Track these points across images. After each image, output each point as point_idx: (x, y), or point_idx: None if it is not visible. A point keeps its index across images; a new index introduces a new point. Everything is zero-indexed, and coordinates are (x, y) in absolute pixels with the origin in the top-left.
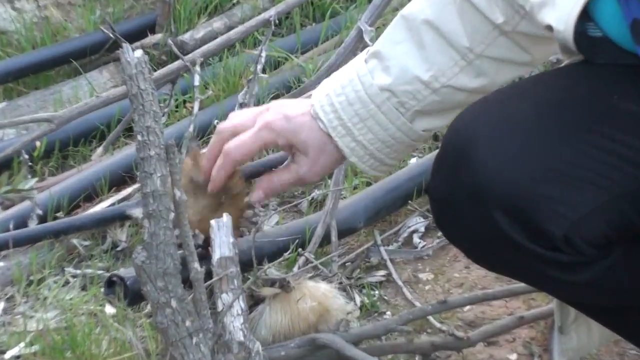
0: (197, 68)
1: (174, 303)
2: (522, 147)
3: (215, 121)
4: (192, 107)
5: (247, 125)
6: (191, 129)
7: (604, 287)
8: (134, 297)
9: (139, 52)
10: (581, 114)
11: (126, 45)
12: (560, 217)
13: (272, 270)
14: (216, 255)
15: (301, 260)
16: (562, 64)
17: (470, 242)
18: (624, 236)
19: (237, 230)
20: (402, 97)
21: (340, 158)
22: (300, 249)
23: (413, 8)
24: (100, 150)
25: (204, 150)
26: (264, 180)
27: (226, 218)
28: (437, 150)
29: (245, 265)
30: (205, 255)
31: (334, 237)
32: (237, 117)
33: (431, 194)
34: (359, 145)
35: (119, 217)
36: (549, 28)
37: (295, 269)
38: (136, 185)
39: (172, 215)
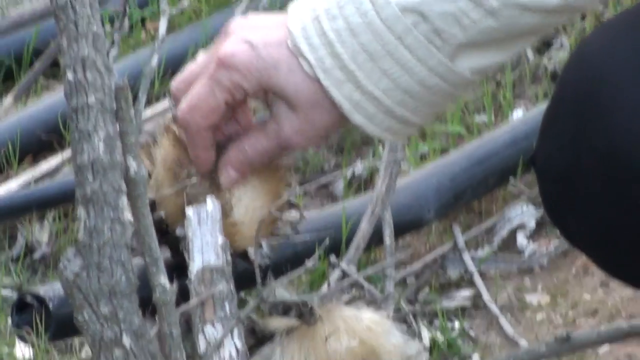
0: None
1: (127, 341)
2: None
3: (197, 52)
4: (157, 29)
5: (202, 69)
6: (154, 62)
7: None
8: (61, 329)
9: None
10: None
11: None
12: None
13: (282, 291)
14: (196, 263)
15: (334, 273)
16: None
17: (603, 243)
18: None
19: (272, 236)
20: (439, 23)
21: (340, 116)
22: (332, 255)
23: None
24: (8, 99)
25: None
26: (233, 151)
27: (211, 205)
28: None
29: (244, 281)
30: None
31: (388, 236)
32: (192, 64)
33: (540, 166)
34: (367, 97)
35: (37, 205)
36: None
37: (324, 288)
38: (66, 153)
39: (123, 200)
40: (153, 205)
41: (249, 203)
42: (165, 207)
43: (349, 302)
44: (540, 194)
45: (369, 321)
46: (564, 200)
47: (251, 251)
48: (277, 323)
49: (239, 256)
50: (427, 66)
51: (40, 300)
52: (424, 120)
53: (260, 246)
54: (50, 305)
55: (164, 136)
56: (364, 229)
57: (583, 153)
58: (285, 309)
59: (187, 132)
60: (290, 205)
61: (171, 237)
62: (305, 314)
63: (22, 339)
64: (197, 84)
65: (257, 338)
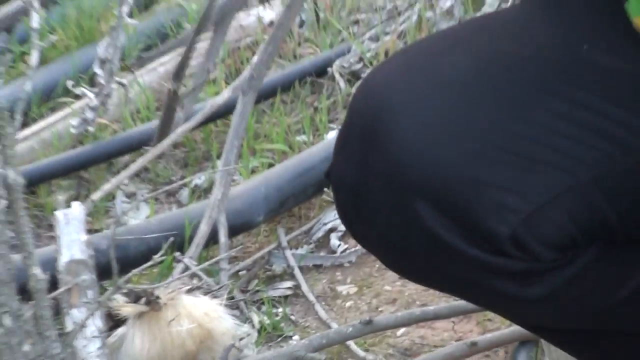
0: (36, 5)
1: (7, 320)
2: (455, 117)
3: (68, 82)
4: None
5: None
6: (29, 87)
7: (568, 305)
8: None
9: None
10: (538, 71)
11: None
12: (507, 210)
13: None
14: (64, 257)
15: (179, 267)
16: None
17: (387, 244)
18: (595, 236)
19: None
20: None
21: None
22: (177, 252)
23: None
24: None
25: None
26: None
27: (77, 208)
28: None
29: (104, 272)
30: None
31: (222, 236)
32: None
33: (334, 181)
34: None
35: None
36: None
37: (169, 279)
38: None
39: (2, 203)
40: None
41: None
42: None
43: (190, 292)
44: (335, 204)
45: (206, 308)
46: (353, 210)
47: None
48: (130, 309)
49: None
50: None
51: None
52: None
53: None
54: None
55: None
56: (203, 229)
57: (367, 174)
58: (136, 297)
59: None
60: None
61: None
62: (152, 302)
63: None
64: None
65: (114, 321)
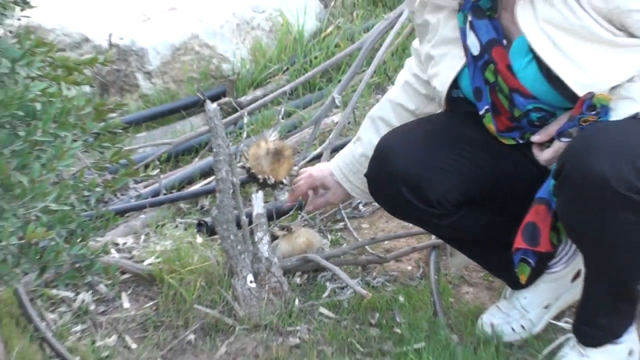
0: (245, 114)
1: (232, 236)
2: (416, 153)
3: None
4: (242, 135)
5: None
6: (242, 145)
7: (458, 228)
8: (212, 233)
9: (214, 105)
10: (447, 136)
11: (208, 102)
12: (436, 190)
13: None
14: (255, 211)
15: (300, 217)
16: (438, 112)
17: (390, 203)
18: (469, 201)
19: (287, 175)
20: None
21: (346, 192)
22: (299, 210)
23: (373, 111)
24: (197, 159)
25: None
26: (311, 200)
27: (260, 194)
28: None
29: (270, 218)
30: (273, 188)
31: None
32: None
33: (368, 178)
34: (353, 185)
35: (205, 193)
36: (435, 88)
37: (296, 221)
38: (214, 176)
39: (231, 191)
40: (249, 169)
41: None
42: (255, 168)
43: (304, 226)
44: (368, 187)
45: (310, 232)
46: (375, 189)
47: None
48: (279, 232)
49: (277, 183)
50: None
51: (205, 222)
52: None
53: (283, 183)
54: (209, 224)
55: (260, 142)
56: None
57: (382, 173)
58: (283, 227)
59: (295, 190)
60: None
61: (255, 179)
62: (288, 230)
63: (199, 236)
64: (302, 177)
65: (274, 237)
